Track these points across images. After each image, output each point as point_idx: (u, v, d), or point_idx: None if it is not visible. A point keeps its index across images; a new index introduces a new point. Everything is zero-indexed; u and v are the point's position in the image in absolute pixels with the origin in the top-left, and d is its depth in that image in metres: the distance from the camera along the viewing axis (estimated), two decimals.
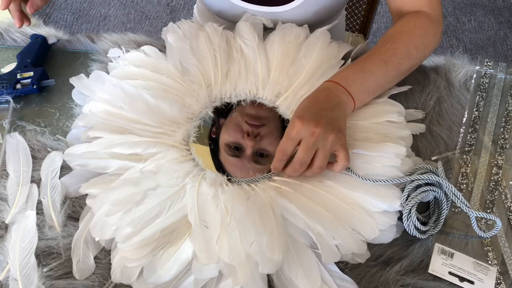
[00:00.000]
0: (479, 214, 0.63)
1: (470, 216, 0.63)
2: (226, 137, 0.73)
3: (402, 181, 0.63)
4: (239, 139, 0.71)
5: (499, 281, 0.61)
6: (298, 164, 0.62)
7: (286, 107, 0.75)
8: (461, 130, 0.76)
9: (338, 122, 0.64)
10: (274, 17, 0.86)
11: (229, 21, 0.91)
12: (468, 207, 0.63)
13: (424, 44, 0.76)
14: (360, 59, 0.73)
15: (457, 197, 0.63)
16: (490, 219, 0.65)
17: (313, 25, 0.85)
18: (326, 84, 0.69)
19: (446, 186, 0.63)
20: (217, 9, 0.92)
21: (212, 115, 0.75)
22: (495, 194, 0.69)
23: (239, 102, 0.77)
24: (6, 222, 0.63)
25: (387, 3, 0.84)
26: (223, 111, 0.76)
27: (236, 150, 0.70)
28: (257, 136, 0.71)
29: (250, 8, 0.86)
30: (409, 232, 0.63)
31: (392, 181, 0.63)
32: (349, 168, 0.64)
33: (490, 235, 0.63)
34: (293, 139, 0.62)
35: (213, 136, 0.73)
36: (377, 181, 0.63)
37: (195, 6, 1.10)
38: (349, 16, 1.25)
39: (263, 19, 0.86)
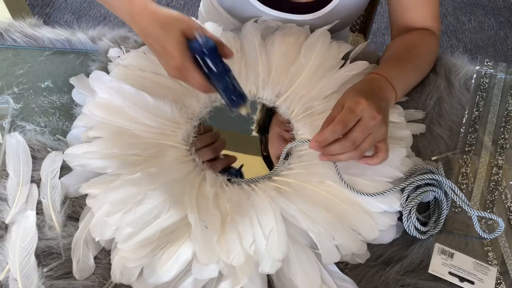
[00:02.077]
0: (481, 213, 0.63)
1: (472, 216, 0.63)
2: (274, 151, 0.73)
3: (397, 189, 0.63)
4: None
5: (499, 281, 0.61)
6: (351, 142, 0.59)
7: (286, 107, 0.75)
8: (461, 130, 0.76)
9: (388, 116, 0.65)
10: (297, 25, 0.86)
11: (241, 22, 0.90)
12: (469, 206, 0.63)
13: (433, 60, 0.82)
14: (396, 63, 0.75)
15: (459, 196, 0.63)
16: (490, 219, 0.65)
17: (332, 32, 0.85)
18: (376, 77, 0.69)
19: (448, 186, 0.63)
20: (235, 11, 0.90)
21: (256, 134, 0.76)
22: (495, 194, 0.69)
23: (273, 113, 0.76)
24: (6, 222, 0.63)
25: (390, 16, 0.86)
26: (264, 127, 0.76)
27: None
28: None
29: (272, 14, 0.85)
30: (409, 233, 0.63)
31: (384, 193, 0.63)
32: (342, 179, 0.64)
33: (493, 236, 0.63)
34: (357, 115, 0.60)
35: (265, 154, 0.74)
36: (370, 195, 0.62)
37: (201, 4, 1.09)
38: None
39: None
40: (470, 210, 0.62)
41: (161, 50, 0.62)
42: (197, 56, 0.61)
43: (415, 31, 0.82)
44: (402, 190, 0.64)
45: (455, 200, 0.63)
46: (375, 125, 0.60)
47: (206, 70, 0.61)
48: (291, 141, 0.70)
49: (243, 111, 0.64)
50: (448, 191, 0.63)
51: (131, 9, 0.65)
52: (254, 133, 0.76)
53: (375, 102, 0.61)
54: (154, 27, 0.62)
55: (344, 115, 0.60)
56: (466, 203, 0.63)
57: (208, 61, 0.61)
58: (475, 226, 0.63)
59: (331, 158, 0.62)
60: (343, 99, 0.63)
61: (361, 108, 0.60)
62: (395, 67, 0.73)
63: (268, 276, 0.58)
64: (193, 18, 0.65)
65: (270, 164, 0.72)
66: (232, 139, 0.74)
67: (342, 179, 0.63)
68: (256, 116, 0.77)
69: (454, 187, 0.63)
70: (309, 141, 0.62)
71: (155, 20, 0.62)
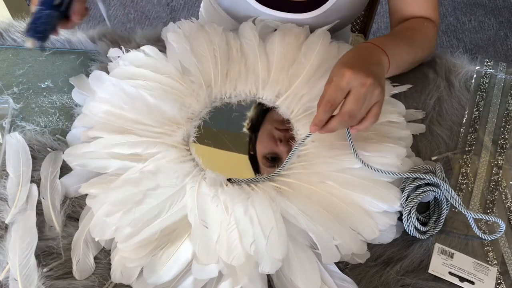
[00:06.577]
0: (477, 215, 0.63)
1: (468, 218, 0.63)
2: (261, 149, 0.73)
3: (402, 175, 0.64)
4: (274, 148, 0.71)
5: (499, 281, 0.61)
6: (348, 116, 0.59)
7: (286, 107, 0.75)
8: (461, 130, 0.76)
9: (382, 79, 0.63)
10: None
11: (239, 22, 0.90)
12: (464, 207, 0.63)
13: (431, 45, 0.82)
14: (388, 36, 0.75)
15: (455, 199, 0.63)
16: (490, 220, 0.65)
17: (332, 31, 0.85)
18: (365, 44, 0.68)
19: (445, 188, 0.63)
20: (233, 11, 0.89)
21: (247, 131, 0.75)
22: (495, 194, 0.69)
23: (269, 110, 0.76)
24: (6, 222, 0.63)
25: (390, 7, 0.86)
26: (256, 126, 0.76)
27: (274, 160, 0.70)
28: (289, 140, 0.71)
29: (270, 13, 0.85)
30: (409, 233, 0.63)
31: (392, 174, 0.63)
32: (357, 155, 0.63)
33: (493, 237, 0.63)
34: (343, 89, 0.59)
35: (252, 153, 0.73)
36: (377, 170, 0.63)
37: (201, 5, 1.09)
38: None
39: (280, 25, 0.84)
40: (467, 212, 0.62)
41: None
42: None
43: (414, 19, 0.82)
44: (402, 190, 0.64)
45: (453, 202, 0.63)
46: (366, 91, 0.59)
47: None
48: (280, 141, 0.70)
49: (29, 43, 0.66)
50: (445, 194, 0.63)
51: None
52: (245, 129, 0.75)
53: (362, 68, 0.60)
54: None
55: (331, 92, 0.59)
56: (461, 205, 0.62)
57: None
58: (473, 228, 0.63)
59: (328, 131, 0.61)
60: (331, 75, 0.62)
61: (347, 80, 0.59)
62: (388, 37, 0.74)
63: (268, 276, 0.58)
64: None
65: (255, 163, 0.71)
66: (222, 137, 0.74)
67: (357, 155, 0.63)
68: (250, 113, 0.76)
69: (451, 191, 0.63)
70: (310, 134, 0.63)
71: None
